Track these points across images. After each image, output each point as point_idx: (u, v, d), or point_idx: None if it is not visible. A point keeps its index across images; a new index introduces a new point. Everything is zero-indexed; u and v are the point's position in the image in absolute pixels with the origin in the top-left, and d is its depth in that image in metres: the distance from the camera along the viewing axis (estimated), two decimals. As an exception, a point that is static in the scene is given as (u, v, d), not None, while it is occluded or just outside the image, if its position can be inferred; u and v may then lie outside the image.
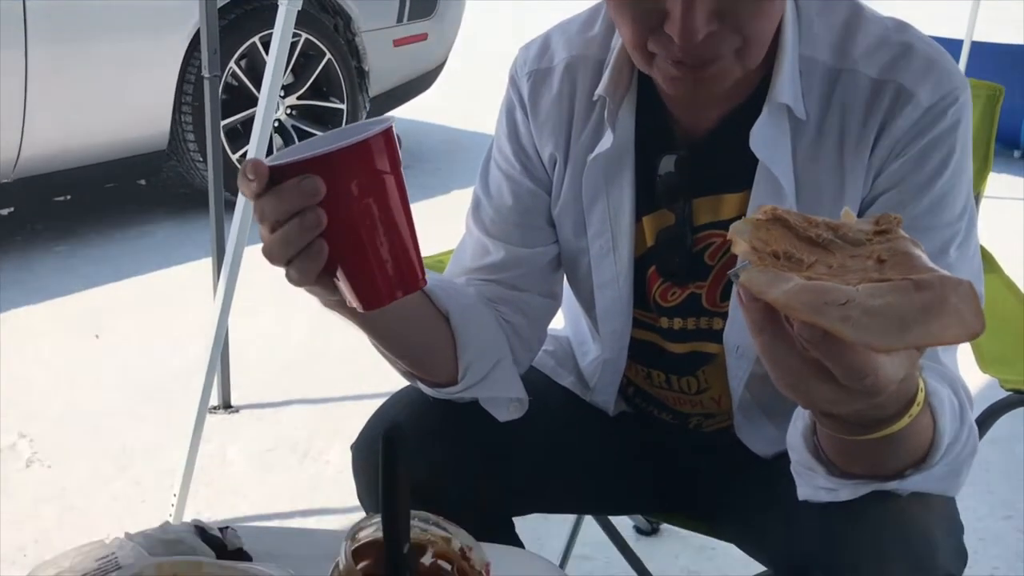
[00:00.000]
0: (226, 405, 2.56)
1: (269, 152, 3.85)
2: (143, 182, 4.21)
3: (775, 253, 0.63)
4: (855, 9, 1.00)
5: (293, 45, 3.94)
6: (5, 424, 2.45)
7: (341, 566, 0.67)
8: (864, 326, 0.57)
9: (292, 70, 4.06)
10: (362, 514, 0.87)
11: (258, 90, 1.98)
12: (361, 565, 0.69)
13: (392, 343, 1.00)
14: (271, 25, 1.90)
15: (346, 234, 0.78)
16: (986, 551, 2.00)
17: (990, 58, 4.71)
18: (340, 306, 0.88)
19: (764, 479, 1.11)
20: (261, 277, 3.32)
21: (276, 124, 4.07)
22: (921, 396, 0.75)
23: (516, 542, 1.20)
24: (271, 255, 0.80)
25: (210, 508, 2.12)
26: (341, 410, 2.56)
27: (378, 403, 1.15)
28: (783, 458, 1.13)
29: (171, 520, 2.00)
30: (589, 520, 1.76)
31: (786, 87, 0.96)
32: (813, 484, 0.89)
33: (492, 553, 0.95)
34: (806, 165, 0.98)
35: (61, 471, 2.29)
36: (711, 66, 0.90)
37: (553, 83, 1.08)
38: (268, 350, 2.87)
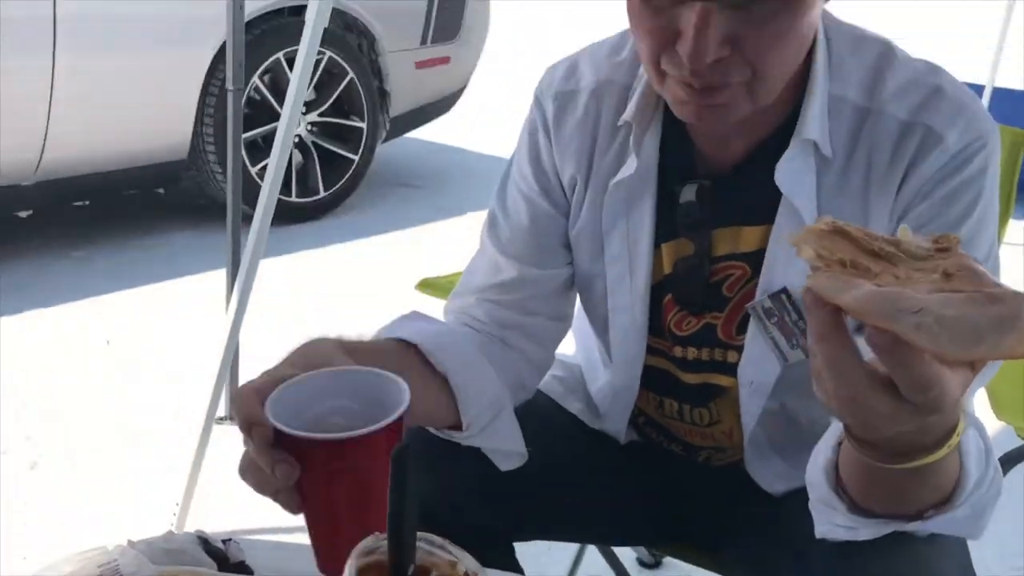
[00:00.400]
0: (233, 416, 2.55)
1: (288, 170, 3.87)
2: (162, 190, 4.24)
3: (842, 261, 0.62)
4: (887, 49, 1.00)
5: (317, 63, 3.96)
6: (12, 426, 2.45)
7: (345, 585, 0.66)
8: (937, 334, 0.57)
9: (315, 87, 4.09)
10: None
11: (280, 105, 1.99)
12: (365, 584, 0.68)
13: None
14: (296, 41, 1.92)
15: (320, 505, 0.77)
16: (994, 597, 1.98)
17: (1013, 104, 4.71)
18: None
19: (773, 516, 1.10)
20: (274, 290, 3.36)
21: (296, 139, 4.09)
22: (961, 427, 0.73)
23: (516, 568, 1.19)
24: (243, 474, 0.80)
25: (213, 518, 2.12)
26: (347, 427, 2.55)
27: (388, 420, 1.14)
28: (793, 495, 1.13)
29: (174, 528, 2.00)
30: (592, 549, 1.75)
31: (815, 123, 0.96)
32: (831, 522, 0.88)
33: (495, 579, 0.94)
34: (830, 202, 0.98)
35: (65, 476, 2.29)
36: (718, 94, 0.89)
37: (579, 106, 1.08)
38: (276, 362, 2.86)
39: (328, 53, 4.00)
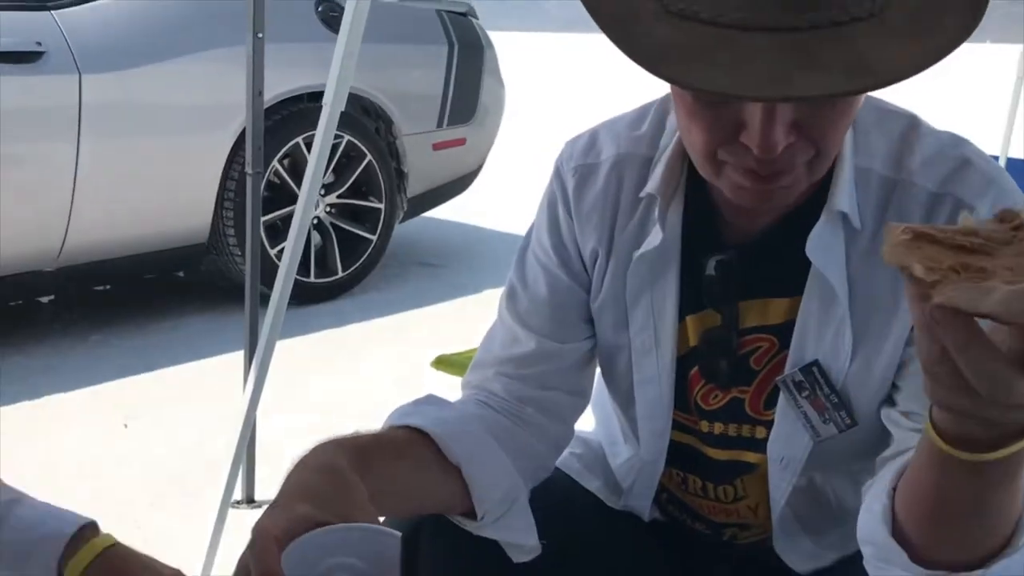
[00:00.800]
0: (249, 500, 2.53)
1: (306, 251, 3.91)
2: (181, 274, 4.28)
3: (953, 269, 0.61)
4: (912, 122, 1.00)
5: (335, 146, 4.04)
6: (28, 511, 2.43)
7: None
8: None
9: (333, 170, 4.15)
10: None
11: (299, 188, 2.02)
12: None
13: (404, 506, 0.98)
14: (314, 126, 1.95)
15: None
16: None
17: (1026, 174, 4.72)
18: None
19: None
20: (292, 371, 3.35)
21: (315, 221, 4.14)
22: None
23: (538, 654, 1.15)
24: None
25: (227, 606, 2.07)
26: (365, 509, 2.52)
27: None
28: (820, 575, 1.09)
29: (186, 617, 1.96)
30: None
31: (844, 196, 0.96)
32: None
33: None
34: (860, 273, 0.97)
35: (80, 562, 2.25)
36: (782, 178, 0.88)
37: (599, 179, 1.08)
38: (294, 446, 2.83)
39: (346, 137, 4.07)
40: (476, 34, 4.70)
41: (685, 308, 1.05)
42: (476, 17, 4.80)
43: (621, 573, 1.18)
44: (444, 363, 1.76)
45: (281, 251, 3.39)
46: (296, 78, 3.84)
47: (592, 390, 1.16)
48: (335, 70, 1.82)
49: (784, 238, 0.99)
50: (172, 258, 3.85)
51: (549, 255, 1.11)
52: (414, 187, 4.46)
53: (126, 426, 2.96)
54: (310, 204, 1.91)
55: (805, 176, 0.90)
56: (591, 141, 1.11)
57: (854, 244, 0.98)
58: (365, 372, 3.44)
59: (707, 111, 0.87)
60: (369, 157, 4.19)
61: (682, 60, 0.76)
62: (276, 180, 3.96)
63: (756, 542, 1.15)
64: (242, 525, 2.39)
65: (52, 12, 3.36)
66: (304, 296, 4.04)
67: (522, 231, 1.19)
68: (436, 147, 4.49)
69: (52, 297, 3.95)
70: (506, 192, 5.72)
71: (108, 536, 0.92)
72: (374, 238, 4.29)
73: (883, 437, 0.98)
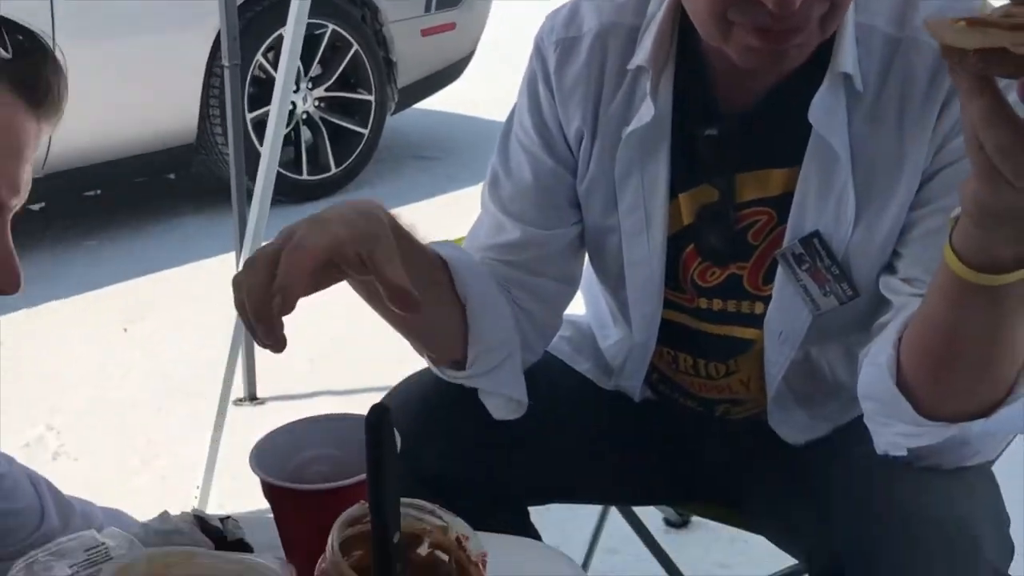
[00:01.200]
0: (252, 397, 2.54)
1: (289, 143, 3.83)
2: (172, 176, 4.23)
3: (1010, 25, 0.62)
4: None
5: (320, 36, 3.92)
6: (33, 417, 2.45)
7: (328, 558, 0.63)
8: None
9: (320, 62, 4.05)
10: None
11: (280, 78, 1.95)
12: (352, 556, 0.65)
13: (396, 316, 0.96)
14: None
15: (306, 552, 0.76)
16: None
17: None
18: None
19: (796, 469, 1.07)
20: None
21: (304, 116, 4.06)
22: None
23: (531, 533, 1.16)
24: None
25: (233, 500, 2.11)
26: (368, 402, 2.49)
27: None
28: (814, 446, 1.09)
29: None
30: (618, 513, 1.72)
31: (848, 56, 0.92)
32: (891, 432, 0.85)
33: (505, 545, 0.91)
34: (863, 137, 0.94)
35: (87, 464, 2.29)
36: (796, 36, 0.85)
37: (581, 52, 1.03)
38: (295, 342, 2.84)
39: (331, 26, 3.95)
40: (461, -90, 4.51)
41: (677, 185, 1.01)
42: None
43: (613, 450, 1.18)
44: (434, 251, 1.74)
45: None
46: (275, -34, 3.71)
47: (581, 276, 1.14)
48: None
49: (782, 104, 0.95)
50: (161, 160, 3.78)
51: (531, 137, 1.07)
52: (404, 77, 4.35)
53: (126, 330, 2.97)
54: (287, 90, 1.86)
55: (817, 32, 0.86)
56: (572, 13, 1.06)
57: (856, 107, 0.94)
58: (363, 267, 3.42)
59: None
60: (356, 47, 4.08)
61: None
62: (262, 75, 3.86)
63: (749, 416, 1.14)
64: (246, 422, 2.42)
65: (14, -95, 3.22)
66: (298, 194, 3.99)
67: (518, 120, 1.14)
68: (425, 33, 4.36)
69: (43, 204, 3.91)
70: (499, 79, 5.59)
71: None
72: (366, 132, 4.21)
73: (881, 307, 0.96)
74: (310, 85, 4.05)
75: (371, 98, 4.19)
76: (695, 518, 1.98)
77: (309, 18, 1.90)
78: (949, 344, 0.80)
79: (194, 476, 2.09)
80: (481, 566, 0.66)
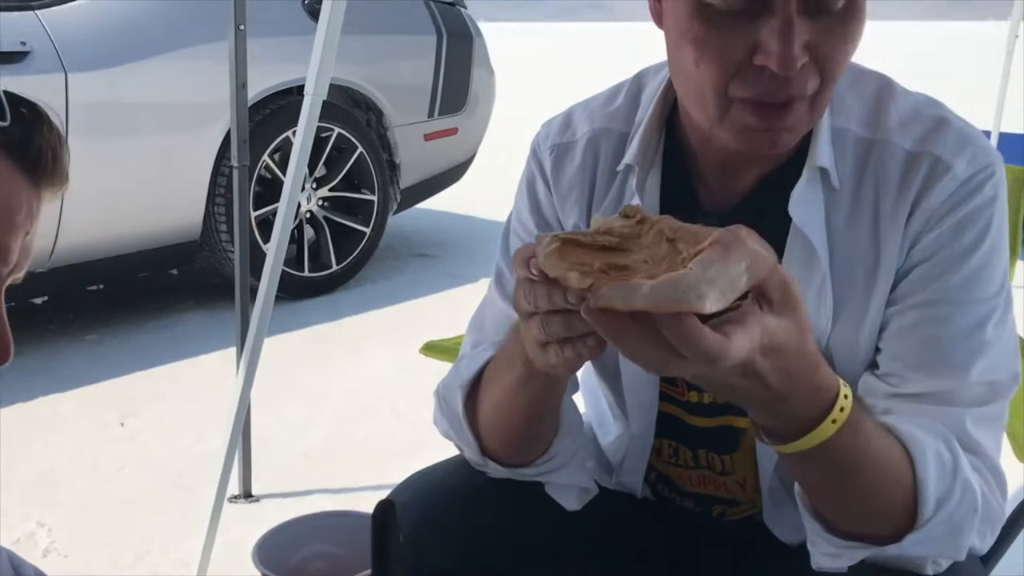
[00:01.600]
0: (247, 494, 2.52)
1: (293, 240, 3.88)
2: (175, 271, 4.27)
3: (601, 270, 0.67)
4: (885, 83, 1.01)
5: (326, 139, 4.03)
6: (24, 513, 2.43)
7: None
8: (716, 296, 0.64)
9: (325, 163, 4.14)
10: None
11: (286, 179, 2.00)
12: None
13: (537, 407, 0.98)
14: (301, 117, 1.94)
15: None
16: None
17: (1018, 148, 4.71)
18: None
19: (790, 568, 1.06)
20: (288, 366, 3.34)
21: (308, 215, 4.13)
22: (847, 403, 0.78)
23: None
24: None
25: (225, 600, 2.07)
26: (362, 500, 2.52)
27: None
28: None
29: (185, 613, 1.95)
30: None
31: (824, 152, 0.96)
32: (820, 551, 0.88)
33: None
34: (841, 234, 0.97)
35: (78, 560, 2.25)
36: (788, 115, 0.89)
37: (576, 156, 1.09)
38: (291, 440, 2.84)
39: (336, 129, 4.05)
40: (464, 23, 4.68)
41: None
42: (464, 6, 4.78)
43: (611, 554, 1.17)
44: (433, 349, 1.76)
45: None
46: (284, 72, 3.83)
47: (580, 375, 1.16)
48: (316, 58, 1.81)
49: (765, 201, 0.99)
50: (165, 256, 3.83)
51: (533, 233, 1.10)
52: (407, 178, 4.45)
53: (123, 425, 2.96)
54: (295, 193, 1.91)
55: (807, 117, 0.90)
56: (566, 121, 1.12)
57: (833, 204, 0.97)
58: (361, 364, 3.43)
59: (720, 36, 0.87)
60: (360, 149, 4.18)
61: None
62: (267, 175, 3.95)
63: (745, 519, 1.14)
64: (240, 520, 2.40)
65: (36, 11, 3.34)
66: (299, 290, 4.03)
67: (515, 221, 1.18)
68: (428, 137, 4.48)
69: (46, 298, 3.94)
70: (498, 181, 5.71)
71: None
72: (368, 230, 4.28)
73: None
74: (315, 185, 4.14)
75: (374, 198, 4.27)
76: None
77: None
78: (802, 487, 0.88)
79: (187, 573, 2.06)
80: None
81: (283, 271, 2.06)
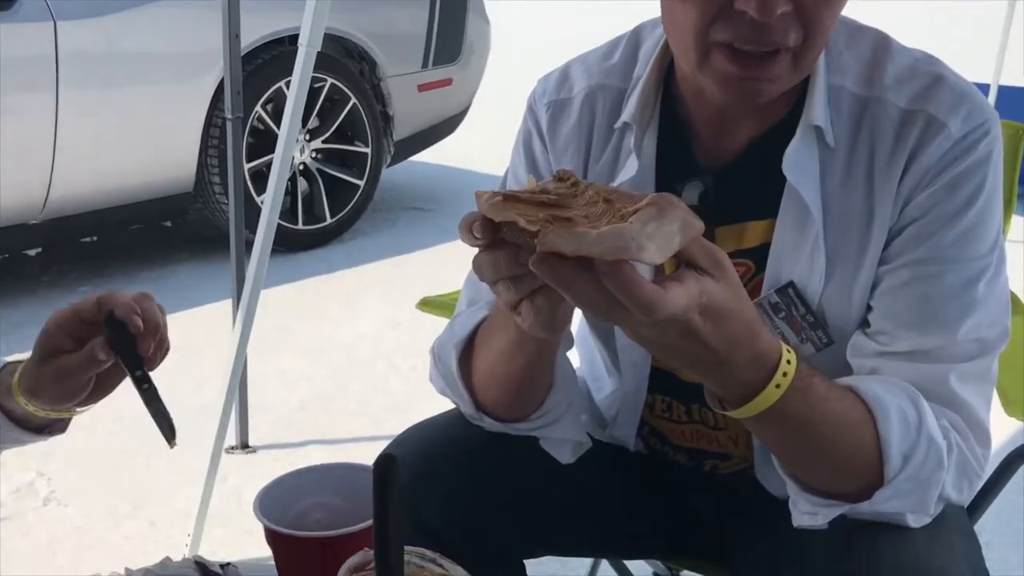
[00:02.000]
0: (244, 445, 2.55)
1: (286, 193, 3.87)
2: (169, 224, 4.25)
3: (547, 219, 0.70)
4: (883, 40, 1.00)
5: (318, 90, 3.99)
6: (23, 463, 2.45)
7: (333, 602, 0.65)
8: (654, 250, 0.68)
9: (318, 114, 4.11)
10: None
11: (280, 131, 1.99)
12: (355, 602, 0.67)
13: (531, 369, 1.00)
14: (294, 68, 1.92)
15: None
16: (1019, 603, 1.94)
17: (1017, 102, 4.69)
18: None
19: (780, 524, 1.08)
20: (282, 319, 3.35)
21: (301, 168, 4.11)
22: (790, 368, 0.81)
23: (527, 585, 1.18)
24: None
25: (224, 548, 2.10)
26: (358, 452, 2.54)
27: (394, 445, 1.13)
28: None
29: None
30: (608, 566, 1.72)
31: (820, 110, 0.96)
32: (799, 510, 0.91)
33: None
34: (835, 193, 0.97)
35: (77, 510, 2.28)
36: (770, 66, 0.89)
37: (572, 112, 1.08)
38: (287, 391, 2.86)
39: (329, 80, 4.02)
40: (459, -29, 4.62)
41: None
42: (459, -46, 4.71)
43: (605, 505, 1.19)
44: (429, 304, 1.76)
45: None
46: (276, 21, 3.77)
47: (572, 333, 1.17)
48: (310, 7, 1.79)
49: (759, 159, 0.99)
50: (158, 208, 3.81)
51: None
52: (400, 130, 4.41)
53: (119, 376, 2.97)
54: (290, 144, 1.90)
55: (790, 70, 0.90)
56: (563, 76, 1.11)
57: (829, 163, 0.97)
58: (357, 318, 3.44)
59: None
60: (353, 100, 4.14)
61: None
62: (260, 126, 3.92)
63: (737, 473, 1.16)
64: (237, 470, 2.42)
65: (23, -42, 3.29)
66: (293, 243, 4.02)
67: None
68: (421, 88, 4.44)
69: (39, 250, 3.93)
70: (494, 134, 5.68)
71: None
72: (361, 183, 4.26)
73: None
74: (308, 137, 4.11)
75: (367, 150, 4.25)
76: (685, 573, 1.98)
77: (311, 73, 1.95)
78: (769, 447, 0.91)
79: (185, 523, 2.09)
80: (480, 613, 0.67)
81: (277, 224, 2.06)
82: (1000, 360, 0.98)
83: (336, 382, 2.92)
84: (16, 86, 3.25)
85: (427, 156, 4.92)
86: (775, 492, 1.12)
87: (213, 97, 3.69)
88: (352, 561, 0.67)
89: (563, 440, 1.08)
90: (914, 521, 0.89)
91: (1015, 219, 1.71)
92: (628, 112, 1.03)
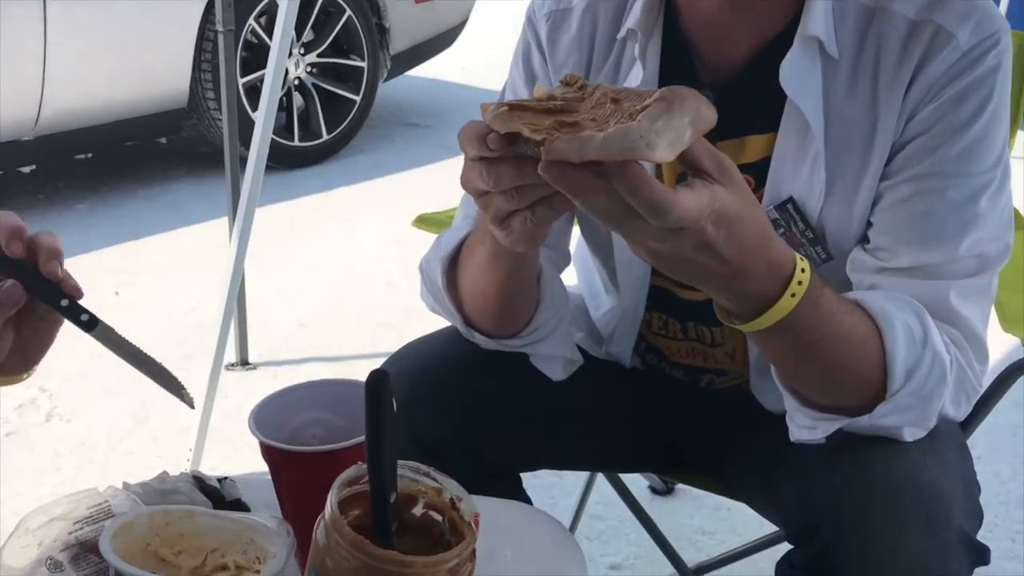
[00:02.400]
0: (243, 362, 2.56)
1: (281, 108, 3.81)
2: (163, 140, 4.21)
3: (552, 127, 0.68)
4: None
5: (313, 2, 3.90)
6: (24, 381, 2.47)
7: (327, 516, 0.65)
8: (665, 146, 0.66)
9: (312, 27, 4.03)
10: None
11: (273, 44, 1.95)
12: (349, 515, 0.67)
13: (511, 284, 0.99)
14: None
15: (304, 513, 0.77)
16: (1008, 515, 1.98)
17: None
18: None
19: (776, 438, 1.09)
20: (279, 235, 3.34)
21: (296, 82, 4.04)
22: (804, 277, 0.79)
23: (524, 498, 1.19)
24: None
25: (225, 463, 2.13)
26: (357, 368, 2.56)
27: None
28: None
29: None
30: (602, 479, 1.75)
31: (819, 20, 0.94)
32: (797, 424, 0.91)
33: (498, 509, 0.94)
34: (838, 105, 0.95)
35: (80, 426, 2.31)
36: None
37: (572, 23, 1.06)
38: (286, 309, 2.87)
39: (324, -9, 3.93)
40: None
41: None
42: None
43: (601, 419, 1.20)
44: (425, 221, 1.75)
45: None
46: (268, -70, 3.68)
47: (570, 249, 1.16)
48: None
49: (761, 72, 0.97)
50: (153, 124, 3.77)
51: None
52: (397, 43, 4.33)
53: (117, 294, 2.97)
54: (283, 57, 1.85)
55: None
56: None
57: (832, 75, 0.95)
58: (354, 235, 3.43)
59: None
60: (349, 12, 4.05)
61: None
62: (253, 40, 3.84)
63: (733, 387, 1.16)
64: (237, 387, 2.44)
65: None
66: (290, 160, 3.99)
67: (510, 89, 1.15)
68: (418, 0, 4.34)
69: (34, 167, 3.89)
70: (492, 47, 5.57)
71: None
72: (358, 98, 4.20)
73: None
74: (302, 51, 4.03)
75: (363, 64, 4.17)
76: (680, 485, 2.01)
77: (304, -16, 1.90)
78: (773, 363, 0.90)
79: (186, 439, 2.11)
80: (474, 526, 0.68)
81: (273, 140, 2.03)
82: (999, 277, 0.97)
83: (335, 299, 2.93)
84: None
85: (424, 70, 4.84)
86: (770, 407, 1.13)
87: (205, 10, 3.61)
88: (345, 475, 0.67)
89: (553, 357, 1.09)
90: (910, 436, 0.90)
91: (1020, 134, 1.68)
92: (633, 19, 1.01)
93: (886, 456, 0.87)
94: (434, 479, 0.70)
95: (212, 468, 2.10)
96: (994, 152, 0.93)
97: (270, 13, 3.83)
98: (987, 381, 1.02)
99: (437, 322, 1.15)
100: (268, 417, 0.84)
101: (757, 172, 1.00)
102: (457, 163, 0.77)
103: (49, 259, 0.84)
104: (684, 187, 0.70)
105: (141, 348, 0.85)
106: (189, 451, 2.07)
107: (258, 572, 0.73)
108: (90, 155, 4.07)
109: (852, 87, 0.95)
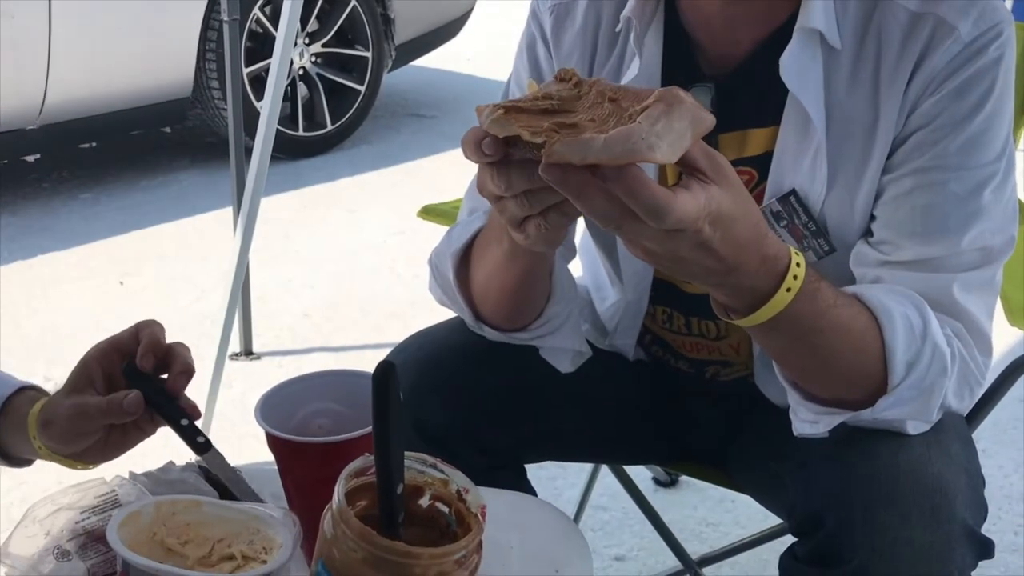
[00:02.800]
0: (248, 352, 2.57)
1: (286, 98, 3.81)
2: (168, 130, 4.21)
3: (552, 128, 0.68)
4: None
5: (317, -10, 3.90)
6: (30, 368, 2.47)
7: (334, 506, 0.66)
8: (666, 148, 0.66)
9: (317, 17, 4.02)
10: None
11: (277, 34, 1.95)
12: (356, 506, 0.67)
13: (526, 280, 0.99)
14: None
15: (310, 504, 0.77)
16: (1011, 508, 1.98)
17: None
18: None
19: (780, 430, 1.09)
20: (285, 226, 3.34)
21: (301, 72, 4.03)
22: (800, 271, 0.80)
23: (528, 489, 1.19)
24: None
25: (229, 453, 2.13)
26: (362, 358, 2.56)
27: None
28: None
29: (191, 464, 2.02)
30: (608, 471, 1.75)
31: (818, 12, 0.93)
32: (800, 419, 0.91)
33: (503, 500, 0.94)
34: (840, 98, 0.95)
35: (85, 415, 2.31)
36: None
37: (576, 16, 1.06)
38: (291, 299, 2.87)
39: (328, -20, 3.92)
40: None
41: None
42: None
43: (606, 411, 1.21)
44: (431, 212, 1.75)
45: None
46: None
47: (575, 242, 1.16)
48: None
49: (762, 65, 0.96)
50: (157, 113, 3.77)
51: None
52: (401, 33, 4.31)
53: (122, 283, 2.98)
54: (288, 47, 1.85)
55: None
56: None
57: (834, 67, 0.95)
58: (359, 225, 3.43)
59: None
60: (353, 2, 4.04)
61: None
62: (258, 29, 3.84)
63: (737, 379, 1.16)
64: (241, 377, 2.45)
65: None
66: (294, 150, 3.98)
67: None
68: (423, -10, 4.33)
69: (38, 156, 3.89)
70: (497, 38, 5.56)
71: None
72: (362, 89, 4.19)
73: None
74: (307, 41, 4.03)
75: (368, 55, 4.17)
76: (684, 477, 2.02)
77: (309, -26, 1.90)
78: (773, 357, 0.91)
79: (191, 429, 2.12)
80: (480, 517, 0.68)
81: (277, 130, 2.03)
82: (1004, 269, 0.97)
83: (339, 290, 2.93)
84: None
85: (429, 60, 4.83)
86: (774, 400, 1.13)
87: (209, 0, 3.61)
88: (352, 466, 0.67)
89: (563, 350, 1.09)
90: (913, 429, 0.90)
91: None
92: (629, 6, 1.01)
93: (890, 449, 0.87)
94: (441, 470, 0.71)
95: (217, 457, 2.11)
96: (997, 144, 0.93)
97: (275, 3, 3.82)
98: (992, 375, 1.02)
99: (442, 312, 1.15)
100: (274, 408, 0.84)
101: (760, 165, 1.00)
102: (459, 154, 0.77)
103: (180, 375, 0.86)
104: (681, 189, 0.70)
105: (243, 476, 0.86)
106: (194, 440, 2.07)
107: (264, 562, 0.74)
108: (95, 144, 4.07)
109: (854, 80, 0.95)
